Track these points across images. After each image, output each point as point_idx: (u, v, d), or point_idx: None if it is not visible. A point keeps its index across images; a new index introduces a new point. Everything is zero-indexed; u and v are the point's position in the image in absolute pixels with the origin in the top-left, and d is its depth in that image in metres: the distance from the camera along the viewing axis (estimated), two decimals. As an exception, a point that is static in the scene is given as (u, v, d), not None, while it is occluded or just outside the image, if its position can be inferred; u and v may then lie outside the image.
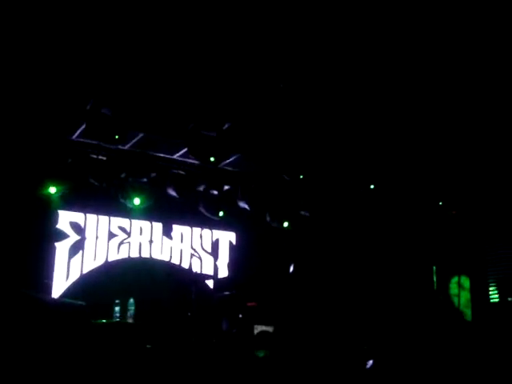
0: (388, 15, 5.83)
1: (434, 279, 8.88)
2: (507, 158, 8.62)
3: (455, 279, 9.20)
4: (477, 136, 8.20)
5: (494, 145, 8.41)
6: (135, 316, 7.84)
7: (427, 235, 9.60)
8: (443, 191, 9.74)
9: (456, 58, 6.48)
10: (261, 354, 6.91)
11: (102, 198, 8.69)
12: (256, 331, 7.56)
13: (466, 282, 9.29)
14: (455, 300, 9.01)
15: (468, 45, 6.25)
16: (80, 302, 5.80)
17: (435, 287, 8.79)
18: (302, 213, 9.88)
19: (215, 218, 9.47)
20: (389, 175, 9.11)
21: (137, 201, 8.55)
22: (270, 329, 7.66)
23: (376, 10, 5.76)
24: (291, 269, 8.32)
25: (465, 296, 9.10)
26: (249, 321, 7.59)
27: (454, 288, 9.13)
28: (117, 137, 7.29)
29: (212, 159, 8.28)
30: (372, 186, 9.11)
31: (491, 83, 7.04)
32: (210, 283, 9.19)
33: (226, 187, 9.51)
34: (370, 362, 6.66)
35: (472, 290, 9.05)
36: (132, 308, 8.03)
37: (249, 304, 7.87)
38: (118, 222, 9.37)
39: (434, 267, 9.01)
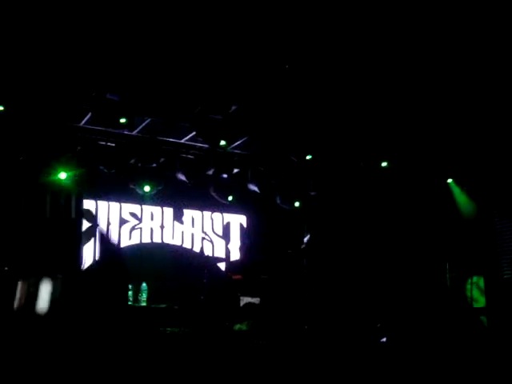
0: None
1: (447, 275, 8.75)
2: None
3: (473, 279, 8.95)
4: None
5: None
6: (148, 300, 7.90)
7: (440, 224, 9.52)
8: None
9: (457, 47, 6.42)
10: (241, 327, 6.94)
11: (113, 184, 8.73)
12: (242, 303, 7.63)
13: (481, 282, 9.11)
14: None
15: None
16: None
17: (448, 282, 8.68)
18: (312, 193, 9.87)
19: (225, 202, 9.48)
20: (401, 154, 9.05)
21: (147, 188, 8.58)
22: (255, 300, 7.70)
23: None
24: (306, 240, 8.30)
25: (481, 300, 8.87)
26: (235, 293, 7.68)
27: (473, 290, 8.84)
28: (123, 120, 7.30)
29: (223, 143, 8.29)
30: (384, 164, 9.05)
31: (494, 72, 7.00)
32: (223, 266, 9.24)
33: (236, 170, 9.50)
34: (384, 339, 6.66)
35: (487, 292, 8.85)
36: (145, 292, 8.09)
37: (235, 277, 7.94)
38: (128, 208, 9.41)
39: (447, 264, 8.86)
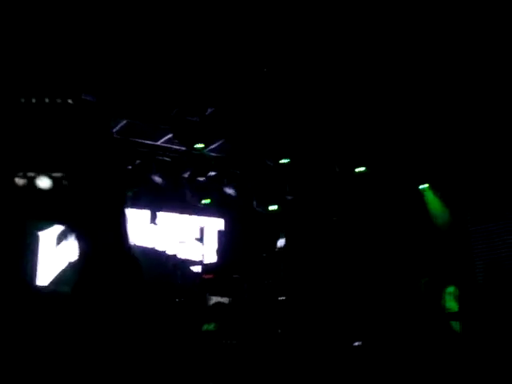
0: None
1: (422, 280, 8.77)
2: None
3: (450, 289, 8.94)
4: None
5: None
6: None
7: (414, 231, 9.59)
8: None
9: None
10: (210, 327, 6.92)
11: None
12: (211, 302, 7.59)
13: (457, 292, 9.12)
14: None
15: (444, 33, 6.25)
16: (64, 289, 5.80)
17: (422, 287, 8.70)
18: (289, 197, 9.91)
19: (200, 205, 9.47)
20: (376, 159, 9.11)
21: (122, 188, 8.50)
22: (225, 300, 7.67)
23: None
24: (280, 243, 8.29)
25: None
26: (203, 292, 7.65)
27: (448, 300, 8.85)
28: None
29: (199, 145, 8.28)
30: (359, 169, 9.11)
31: (466, 80, 7.10)
32: (198, 269, 9.20)
33: (212, 173, 9.49)
34: (357, 343, 6.69)
35: (460, 300, 8.86)
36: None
37: (206, 276, 7.90)
38: (103, 209, 9.32)
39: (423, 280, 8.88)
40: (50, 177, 1.00)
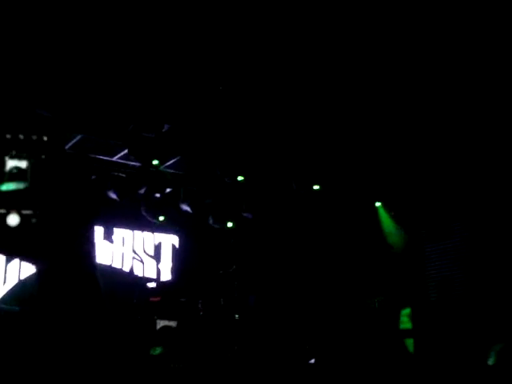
0: None
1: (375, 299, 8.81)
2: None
3: (406, 311, 8.99)
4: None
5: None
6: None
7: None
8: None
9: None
10: (156, 352, 6.83)
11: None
12: (158, 326, 7.49)
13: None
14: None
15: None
16: (15, 308, 5.67)
17: (376, 305, 8.73)
18: (245, 215, 9.91)
19: (156, 222, 9.40)
20: (333, 177, 9.19)
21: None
22: (173, 324, 7.59)
23: None
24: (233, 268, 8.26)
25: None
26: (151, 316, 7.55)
27: (406, 322, 8.87)
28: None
29: (156, 162, 8.24)
30: (316, 187, 9.16)
31: (423, 98, 7.25)
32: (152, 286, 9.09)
33: (168, 190, 9.44)
34: (312, 360, 6.69)
35: (413, 318, 8.90)
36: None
37: (153, 299, 7.80)
38: (57, 225, 9.15)
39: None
40: (20, 214, 1.00)
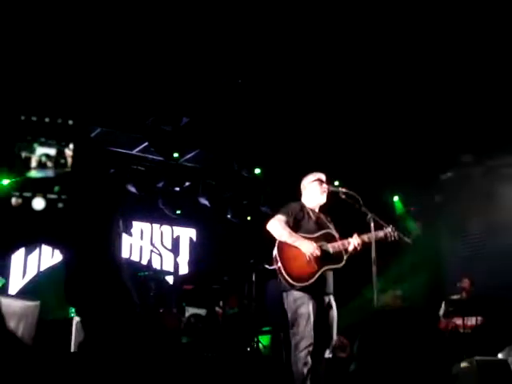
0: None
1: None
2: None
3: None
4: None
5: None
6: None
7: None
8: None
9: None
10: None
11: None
12: (187, 314, 7.55)
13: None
14: None
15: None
16: (35, 301, 5.71)
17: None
18: (263, 209, 9.91)
19: (173, 216, 9.43)
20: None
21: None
22: (202, 312, 7.65)
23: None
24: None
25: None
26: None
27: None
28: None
29: (176, 155, 8.28)
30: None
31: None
32: (171, 279, 9.14)
33: (187, 183, 9.46)
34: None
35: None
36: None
37: (186, 287, 7.86)
38: (76, 218, 9.21)
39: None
40: (45, 198, 1.00)
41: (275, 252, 4.77)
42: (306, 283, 4.68)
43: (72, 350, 5.87)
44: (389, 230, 4.99)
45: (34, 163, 1.01)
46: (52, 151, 1.00)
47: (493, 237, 9.26)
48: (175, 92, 7.33)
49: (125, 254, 9.49)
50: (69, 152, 1.02)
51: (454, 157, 8.93)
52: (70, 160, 1.00)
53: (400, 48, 6.49)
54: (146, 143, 8.38)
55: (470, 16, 5.94)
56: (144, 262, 9.61)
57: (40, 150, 1.02)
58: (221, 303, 7.91)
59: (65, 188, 0.98)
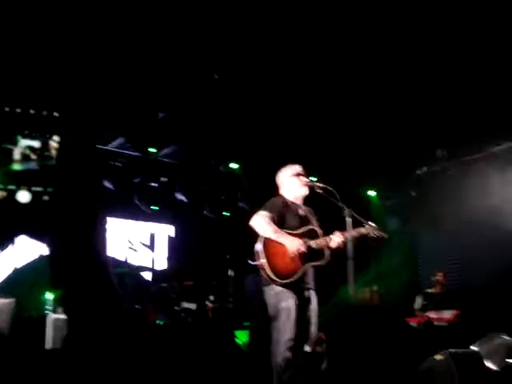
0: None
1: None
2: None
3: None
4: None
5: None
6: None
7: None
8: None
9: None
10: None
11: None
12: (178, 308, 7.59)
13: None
14: None
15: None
16: (10, 298, 5.68)
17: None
18: (241, 204, 9.91)
19: (149, 211, 9.40)
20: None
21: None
22: (192, 306, 7.68)
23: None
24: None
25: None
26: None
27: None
28: None
29: (153, 150, 8.25)
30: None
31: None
32: (148, 275, 9.11)
33: (164, 179, 9.42)
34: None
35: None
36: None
37: (186, 283, 7.89)
38: (51, 214, 9.13)
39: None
40: (30, 191, 0.99)
41: (260, 247, 4.76)
42: (290, 280, 4.70)
43: (46, 347, 5.84)
44: (371, 226, 5.03)
45: (17, 155, 1.00)
46: (36, 143, 0.99)
47: (467, 231, 9.38)
48: (151, 87, 7.30)
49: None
50: (53, 144, 1.01)
51: (430, 152, 9.01)
52: (54, 152, 1.00)
53: (374, 45, 6.53)
54: (123, 138, 8.33)
55: (439, 14, 6.01)
56: (120, 258, 9.56)
57: (24, 142, 1.01)
58: (211, 297, 7.93)
59: (51, 181, 0.98)
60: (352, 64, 6.89)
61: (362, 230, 4.98)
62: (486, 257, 8.85)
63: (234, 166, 9.32)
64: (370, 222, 5.07)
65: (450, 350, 5.40)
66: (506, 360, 5.99)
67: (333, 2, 5.89)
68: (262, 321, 7.75)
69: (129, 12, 5.97)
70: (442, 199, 9.59)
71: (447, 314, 7.70)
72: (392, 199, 10.30)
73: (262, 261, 4.72)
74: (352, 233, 4.89)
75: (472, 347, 6.26)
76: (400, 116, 7.98)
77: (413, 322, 7.77)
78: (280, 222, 4.90)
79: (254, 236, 4.86)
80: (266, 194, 5.41)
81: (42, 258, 8.80)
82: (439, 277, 8.41)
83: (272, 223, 4.81)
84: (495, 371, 5.74)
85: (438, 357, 5.29)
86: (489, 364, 5.77)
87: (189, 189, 9.58)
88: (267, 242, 4.78)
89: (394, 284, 9.31)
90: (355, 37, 6.41)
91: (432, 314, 7.80)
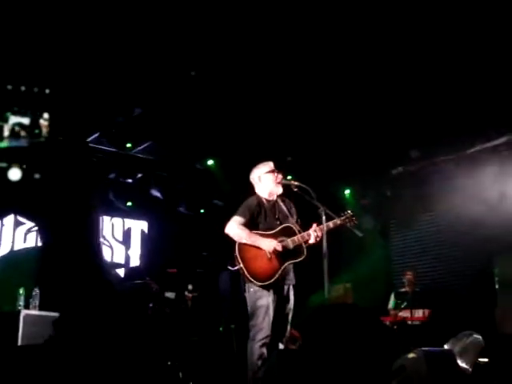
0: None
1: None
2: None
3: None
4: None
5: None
6: (40, 306, 7.57)
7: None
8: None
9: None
10: None
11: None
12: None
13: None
14: None
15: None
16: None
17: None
18: (215, 201, 9.90)
19: (124, 208, 9.33)
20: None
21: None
22: (171, 295, 7.69)
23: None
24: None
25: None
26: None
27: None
28: None
29: (128, 145, 8.21)
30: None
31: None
32: (121, 272, 9.05)
33: (139, 175, 9.36)
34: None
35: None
36: (37, 298, 7.75)
37: (170, 271, 7.90)
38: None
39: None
40: (21, 168, 0.97)
41: (236, 253, 4.81)
42: (270, 281, 4.75)
43: (19, 343, 5.77)
44: (345, 215, 5.08)
45: (6, 132, 0.98)
46: (26, 120, 0.97)
47: (439, 230, 9.50)
48: (128, 82, 7.24)
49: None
50: (43, 122, 0.99)
51: (405, 152, 9.09)
52: (44, 130, 0.98)
53: (348, 46, 6.56)
54: (98, 133, 8.26)
55: (411, 18, 6.07)
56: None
57: (13, 119, 0.99)
58: (190, 287, 7.94)
59: (42, 158, 0.96)
60: (327, 63, 6.91)
61: (338, 221, 5.03)
62: (458, 256, 8.98)
63: (210, 162, 9.31)
64: (345, 212, 5.13)
65: (423, 348, 5.46)
66: (478, 359, 6.09)
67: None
68: (235, 317, 7.79)
69: (106, 7, 5.91)
70: (416, 199, 9.68)
71: (419, 313, 7.78)
72: (367, 198, 10.35)
73: (240, 265, 4.77)
74: (329, 225, 4.94)
75: (445, 346, 6.34)
76: (376, 115, 8.03)
77: (387, 321, 7.84)
78: (255, 223, 4.95)
79: (230, 241, 4.90)
80: (241, 191, 5.42)
81: (13, 252, 8.72)
82: (409, 276, 8.49)
83: (245, 228, 4.85)
84: (467, 369, 5.82)
85: (411, 355, 5.35)
86: (461, 363, 5.85)
87: (164, 185, 9.54)
88: (242, 247, 4.84)
89: (368, 283, 9.39)
90: (329, 38, 6.43)
91: (405, 313, 7.87)
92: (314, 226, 4.92)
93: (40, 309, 7.41)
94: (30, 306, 7.16)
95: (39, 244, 8.88)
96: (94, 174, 7.42)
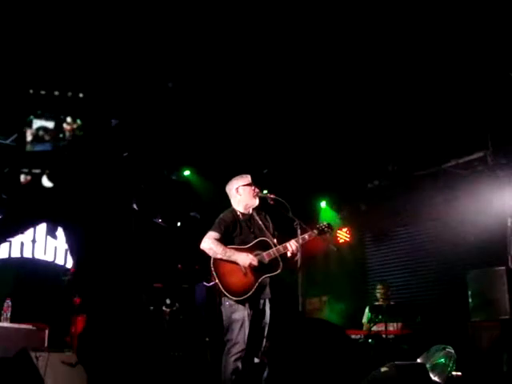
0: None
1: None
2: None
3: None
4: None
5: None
6: (11, 317, 7.48)
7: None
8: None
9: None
10: None
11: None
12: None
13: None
14: None
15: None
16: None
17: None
18: (192, 214, 9.88)
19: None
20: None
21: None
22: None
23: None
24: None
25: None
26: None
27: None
28: None
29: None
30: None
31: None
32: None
33: (115, 186, 9.30)
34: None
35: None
36: (9, 309, 7.66)
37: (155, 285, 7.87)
38: (-2, 220, 8.91)
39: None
40: (54, 175, 0.95)
41: (212, 268, 4.81)
42: (246, 296, 4.74)
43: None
44: (320, 226, 5.10)
45: (29, 137, 0.96)
46: (50, 124, 0.95)
47: (414, 244, 9.59)
48: (104, 93, 7.21)
49: (49, 258, 9.21)
50: (67, 126, 0.98)
51: (381, 166, 9.17)
52: (68, 134, 0.97)
53: (325, 57, 6.61)
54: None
55: (386, 30, 6.14)
56: (69, 265, 9.36)
57: (37, 123, 0.97)
58: (168, 301, 7.92)
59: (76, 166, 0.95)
60: (305, 75, 6.94)
61: (313, 232, 5.05)
62: (432, 270, 9.06)
63: (186, 173, 9.32)
64: (321, 224, 5.15)
65: (396, 362, 5.49)
66: (451, 373, 6.13)
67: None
68: (211, 330, 7.78)
69: (86, 16, 5.89)
70: (391, 213, 9.77)
71: (393, 327, 7.81)
72: (343, 211, 10.42)
73: (216, 281, 4.78)
74: (304, 237, 4.96)
75: (418, 360, 6.38)
76: (353, 129, 8.10)
77: (360, 335, 7.86)
78: (230, 237, 4.95)
79: (206, 256, 4.90)
80: (217, 204, 5.42)
81: None
82: (380, 289, 8.52)
83: (220, 244, 4.85)
84: (440, 383, 5.87)
85: (384, 369, 5.37)
86: (433, 376, 5.89)
87: (140, 197, 9.49)
88: (218, 263, 4.84)
89: (343, 296, 9.43)
90: (305, 51, 6.47)
91: (379, 327, 7.90)
92: (292, 240, 4.94)
93: (11, 321, 7.35)
94: (1, 318, 7.07)
95: (12, 256, 8.76)
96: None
